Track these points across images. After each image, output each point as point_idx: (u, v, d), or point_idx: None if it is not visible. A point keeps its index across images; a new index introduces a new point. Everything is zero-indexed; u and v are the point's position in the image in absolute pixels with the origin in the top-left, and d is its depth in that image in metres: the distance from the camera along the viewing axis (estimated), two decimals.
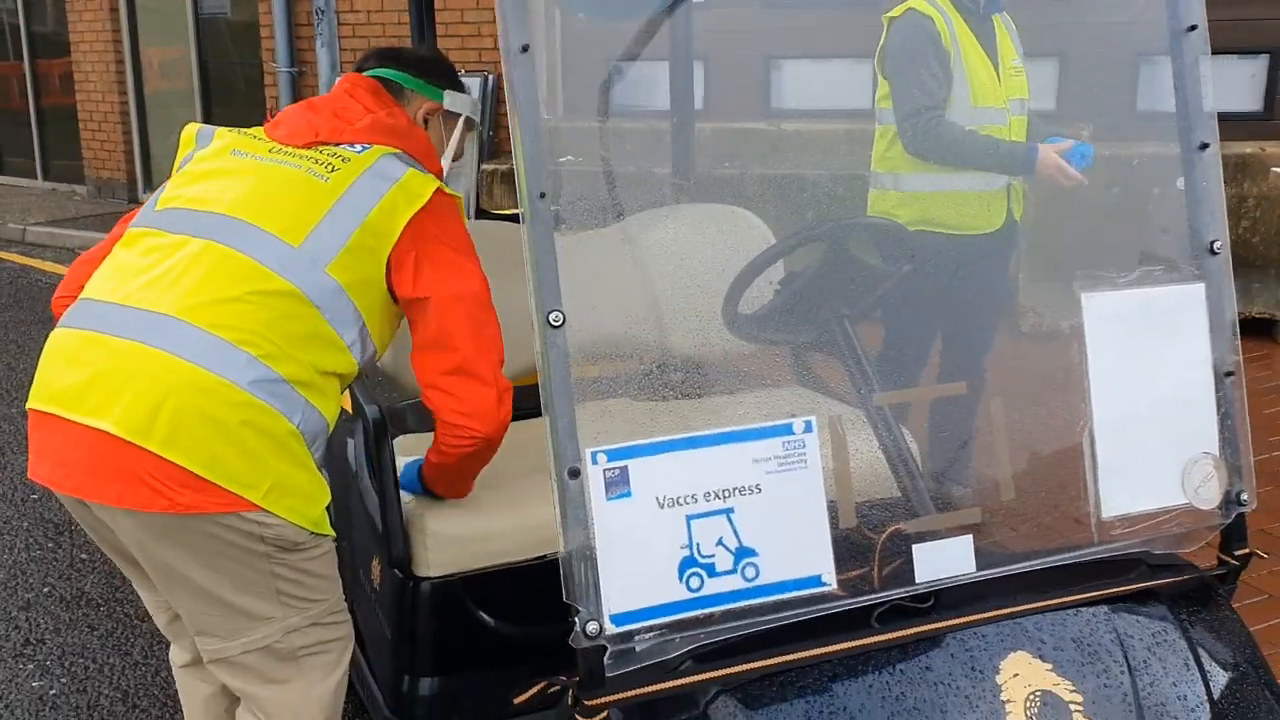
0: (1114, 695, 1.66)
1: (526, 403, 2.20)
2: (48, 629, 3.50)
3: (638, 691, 1.53)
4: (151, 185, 10.88)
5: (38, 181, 12.26)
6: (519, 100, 1.50)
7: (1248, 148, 5.68)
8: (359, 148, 2.05)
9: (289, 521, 1.90)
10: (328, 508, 2.01)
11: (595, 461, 1.50)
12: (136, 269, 1.93)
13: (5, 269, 8.83)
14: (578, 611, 1.49)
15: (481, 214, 2.75)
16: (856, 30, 7.34)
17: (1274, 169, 5.60)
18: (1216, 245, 1.85)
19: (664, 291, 2.82)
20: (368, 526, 2.52)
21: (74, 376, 1.85)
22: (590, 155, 4.67)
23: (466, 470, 2.25)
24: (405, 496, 2.37)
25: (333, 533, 2.03)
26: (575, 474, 1.49)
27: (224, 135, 2.14)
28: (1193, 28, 1.86)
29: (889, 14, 3.51)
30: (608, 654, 1.51)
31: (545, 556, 2.34)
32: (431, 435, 2.21)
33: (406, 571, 2.33)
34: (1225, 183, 5.80)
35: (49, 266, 8.87)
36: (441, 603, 2.32)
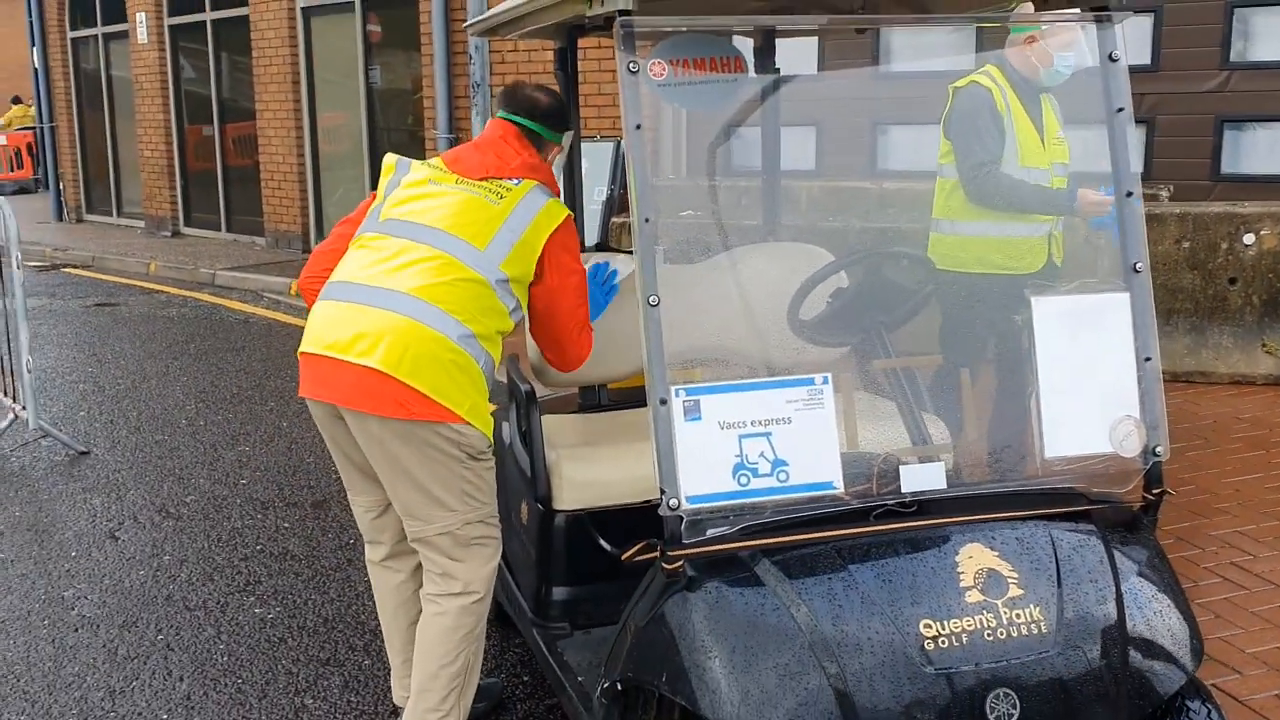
0: (1042, 575, 2.34)
1: (636, 395, 2.99)
2: (263, 574, 4.42)
3: (703, 550, 2.30)
4: (322, 236, 12.14)
5: (221, 233, 13.74)
6: (634, 161, 2.32)
7: None
8: (515, 180, 2.93)
9: (479, 431, 2.79)
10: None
11: (678, 395, 2.28)
12: (375, 261, 2.84)
13: (200, 307, 10.12)
14: (664, 492, 2.26)
15: (603, 246, 3.54)
16: None
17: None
18: (1138, 266, 2.53)
19: (753, 307, 3.58)
20: (519, 478, 3.34)
21: (344, 332, 2.76)
22: (704, 208, 5.50)
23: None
24: (549, 452, 3.17)
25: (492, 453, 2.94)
26: (664, 402, 2.27)
27: (420, 168, 3.02)
28: (1121, 109, 2.56)
29: (954, 84, 4.24)
30: (683, 524, 2.28)
31: (649, 501, 3.09)
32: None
33: (547, 506, 3.13)
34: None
35: (234, 304, 10.13)
36: (572, 530, 3.11)
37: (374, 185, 3.15)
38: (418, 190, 2.94)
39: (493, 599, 3.77)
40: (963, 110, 4.16)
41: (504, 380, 3.40)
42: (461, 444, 2.80)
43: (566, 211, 2.94)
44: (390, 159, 3.09)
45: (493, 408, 2.96)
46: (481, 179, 2.92)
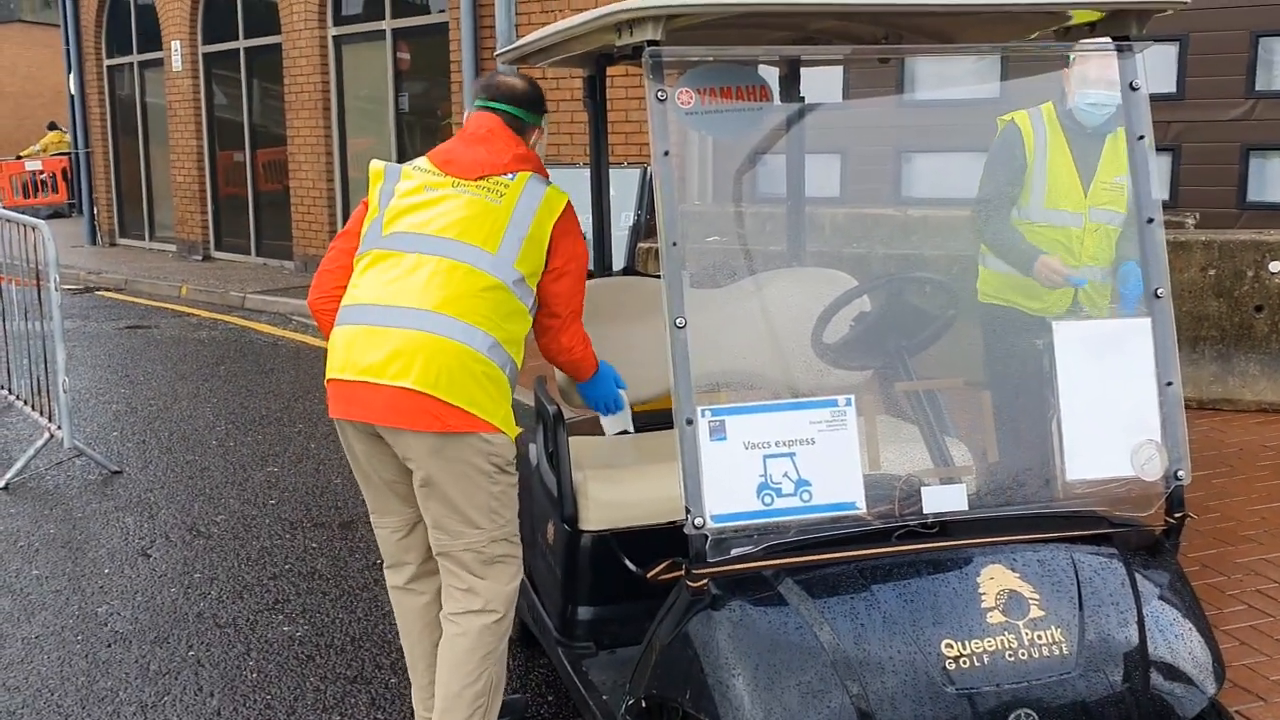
0: (1064, 597, 2.36)
1: (663, 417, 3.04)
2: (292, 593, 4.48)
3: (728, 568, 2.33)
4: None
5: (251, 257, 13.91)
6: (662, 188, 2.37)
7: None
8: (510, 175, 2.94)
9: (507, 439, 2.85)
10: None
11: (704, 415, 2.33)
12: (390, 280, 2.85)
13: (229, 329, 10.25)
14: (689, 511, 2.30)
15: (630, 270, 3.61)
16: (979, 126, 8.07)
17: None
18: (1160, 292, 2.55)
19: (778, 330, 3.63)
20: (545, 499, 3.38)
21: (375, 355, 2.79)
22: (730, 234, 5.55)
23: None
24: (575, 472, 3.21)
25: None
26: (690, 422, 2.31)
27: (411, 174, 3.00)
28: (1141, 137, 2.59)
29: (1001, 117, 4.15)
30: (708, 542, 2.32)
31: (674, 522, 3.12)
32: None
33: (574, 526, 3.17)
34: None
35: (263, 327, 10.25)
36: (598, 550, 3.15)
37: None
38: (416, 199, 2.93)
39: (517, 619, 3.82)
40: (993, 146, 4.16)
41: (530, 403, 3.45)
42: (491, 455, 2.85)
43: (565, 196, 2.96)
44: (377, 165, 3.06)
45: (519, 430, 3.01)
46: (478, 178, 2.92)
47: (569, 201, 2.97)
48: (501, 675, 3.05)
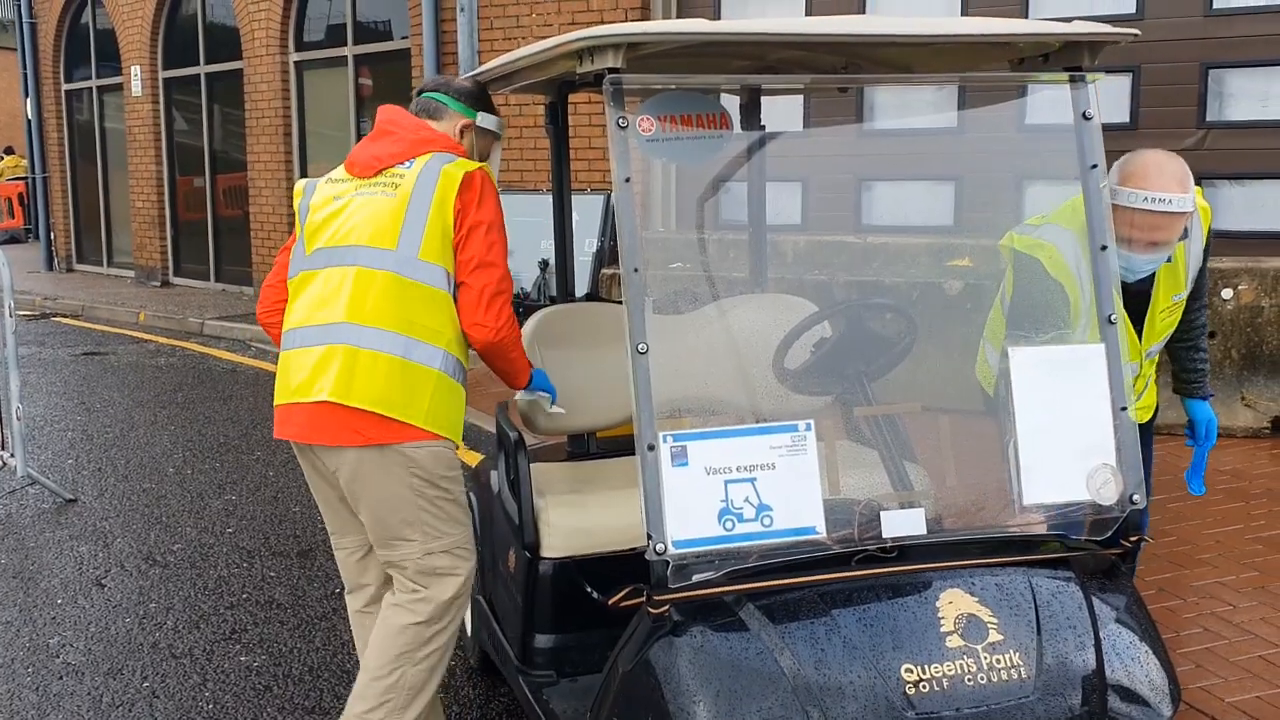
0: (1021, 621, 2.38)
1: (625, 444, 3.04)
2: (249, 622, 4.42)
3: (689, 594, 2.33)
4: None
5: (210, 283, 13.79)
6: (622, 213, 2.39)
7: None
8: (407, 163, 2.90)
9: (441, 449, 2.82)
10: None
11: (665, 440, 2.33)
12: (313, 300, 2.90)
13: (188, 356, 10.14)
14: (651, 537, 2.30)
15: (594, 297, 3.62)
16: (937, 156, 8.16)
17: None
18: (1112, 318, 2.60)
19: (740, 356, 3.64)
20: (506, 526, 3.36)
21: (302, 375, 2.86)
22: (693, 261, 5.58)
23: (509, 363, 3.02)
24: (537, 499, 3.20)
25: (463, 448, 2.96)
26: (652, 448, 2.31)
27: (323, 188, 3.01)
28: (1094, 165, 2.64)
29: (1018, 244, 3.12)
30: (670, 568, 2.31)
31: (635, 549, 3.13)
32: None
33: (534, 553, 3.15)
34: (1268, 294, 6.46)
35: (222, 354, 10.16)
36: (558, 577, 3.13)
37: None
38: (326, 211, 2.95)
39: (479, 649, 3.79)
40: (1017, 286, 3.15)
41: (492, 429, 3.44)
42: (414, 469, 2.83)
43: (471, 166, 2.86)
44: (299, 184, 3.09)
45: (480, 458, 2.99)
46: (375, 175, 2.91)
47: (479, 171, 2.86)
48: (426, 685, 2.94)
